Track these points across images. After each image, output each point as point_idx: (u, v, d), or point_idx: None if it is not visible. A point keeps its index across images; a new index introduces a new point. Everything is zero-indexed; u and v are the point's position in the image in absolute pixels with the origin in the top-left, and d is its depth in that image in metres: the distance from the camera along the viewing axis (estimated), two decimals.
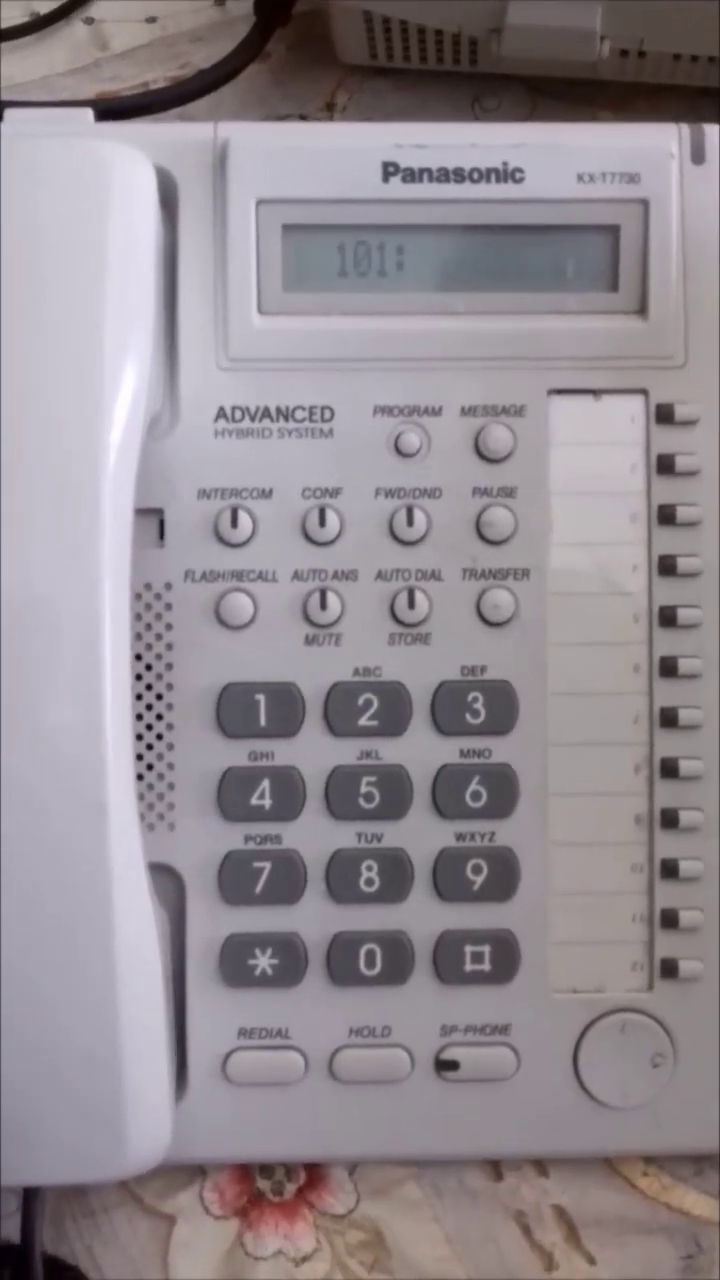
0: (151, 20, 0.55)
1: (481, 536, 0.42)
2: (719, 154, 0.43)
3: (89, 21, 0.55)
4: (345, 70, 0.53)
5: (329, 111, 0.53)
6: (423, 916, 0.41)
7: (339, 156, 0.42)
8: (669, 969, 0.41)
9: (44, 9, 0.54)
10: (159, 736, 0.41)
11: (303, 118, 0.53)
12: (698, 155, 0.43)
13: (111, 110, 0.50)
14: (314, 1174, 0.43)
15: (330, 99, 0.54)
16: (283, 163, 0.42)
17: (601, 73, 0.51)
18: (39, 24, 0.54)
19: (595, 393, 0.42)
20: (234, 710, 0.41)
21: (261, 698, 0.41)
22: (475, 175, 0.42)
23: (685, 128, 0.43)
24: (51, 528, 0.36)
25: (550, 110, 0.53)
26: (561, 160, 0.42)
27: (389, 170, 0.42)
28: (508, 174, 0.42)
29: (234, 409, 0.42)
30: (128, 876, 0.36)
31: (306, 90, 0.54)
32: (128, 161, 0.39)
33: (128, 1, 0.55)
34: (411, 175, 0.42)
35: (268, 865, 0.41)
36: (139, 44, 0.55)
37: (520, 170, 0.42)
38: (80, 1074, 0.36)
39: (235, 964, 0.41)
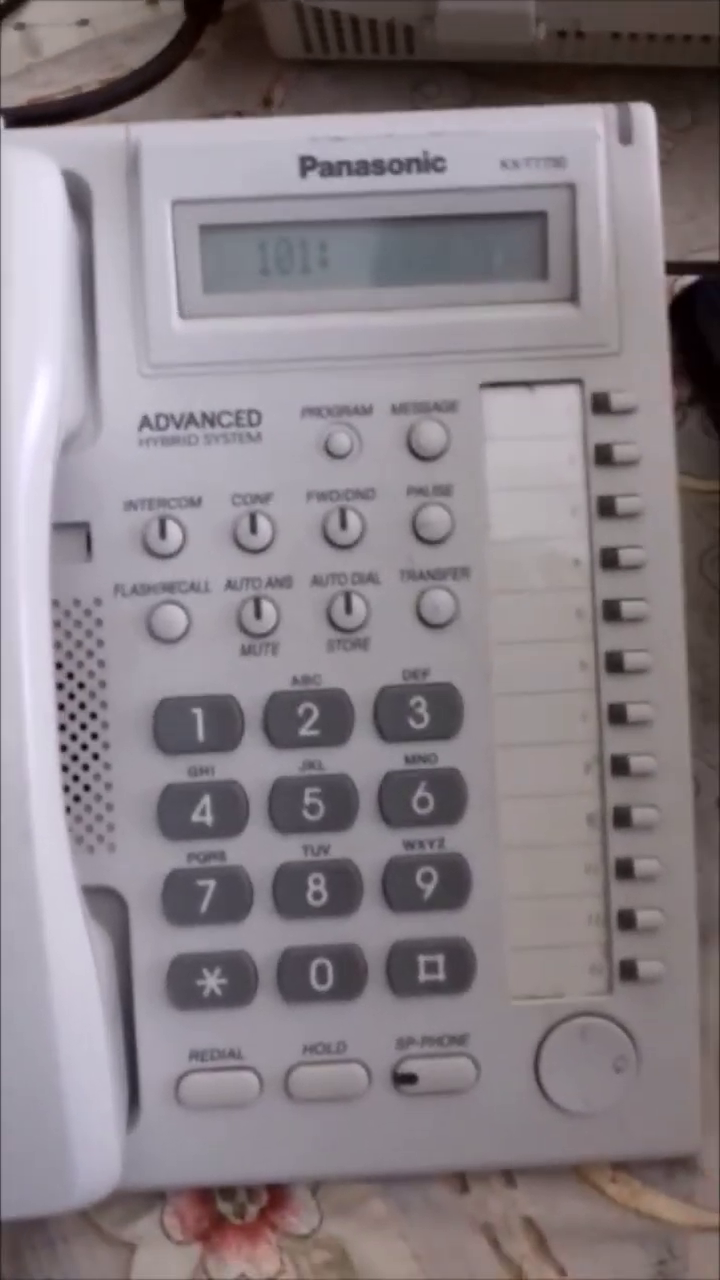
0: (83, 23, 0.54)
1: (418, 536, 0.41)
2: (648, 134, 0.42)
3: (20, 27, 0.54)
4: (281, 64, 0.53)
5: (266, 107, 0.53)
6: (374, 928, 0.40)
7: (254, 152, 0.41)
8: (628, 971, 0.40)
9: None
10: (95, 756, 0.40)
11: (239, 114, 0.52)
12: (625, 136, 0.41)
13: (41, 116, 0.49)
14: (276, 1194, 0.42)
15: (267, 94, 0.53)
16: (197, 162, 0.41)
17: (540, 55, 0.50)
18: None
19: (529, 384, 0.41)
20: (171, 725, 0.40)
21: (199, 711, 0.40)
22: (395, 166, 0.41)
23: (612, 108, 0.42)
24: None
25: (491, 95, 0.52)
26: (483, 147, 0.41)
27: (306, 165, 0.41)
28: (429, 163, 0.41)
29: (158, 416, 0.41)
30: (59, 904, 0.35)
31: (242, 86, 0.53)
32: (30, 166, 0.38)
33: (58, 4, 0.54)
34: (330, 169, 0.41)
35: (212, 883, 0.40)
36: (71, 47, 0.54)
37: (441, 159, 0.41)
38: (22, 1107, 0.35)
39: (183, 985, 0.40)
